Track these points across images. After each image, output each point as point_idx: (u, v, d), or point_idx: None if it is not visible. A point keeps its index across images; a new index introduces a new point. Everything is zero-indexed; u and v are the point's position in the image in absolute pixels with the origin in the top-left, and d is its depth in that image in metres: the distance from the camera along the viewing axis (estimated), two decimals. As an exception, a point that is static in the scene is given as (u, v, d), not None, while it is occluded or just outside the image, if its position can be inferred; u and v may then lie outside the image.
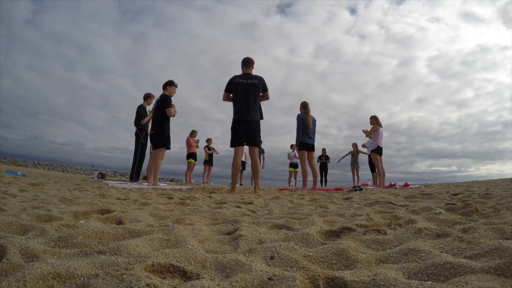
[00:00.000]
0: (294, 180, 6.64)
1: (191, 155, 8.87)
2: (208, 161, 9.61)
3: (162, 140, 4.77)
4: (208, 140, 9.76)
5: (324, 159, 10.69)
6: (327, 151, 10.88)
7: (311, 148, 5.57)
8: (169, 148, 4.89)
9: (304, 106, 5.53)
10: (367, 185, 7.67)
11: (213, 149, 9.76)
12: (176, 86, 5.03)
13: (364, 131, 6.84)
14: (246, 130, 4.06)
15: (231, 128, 4.15)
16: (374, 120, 6.54)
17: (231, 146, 4.16)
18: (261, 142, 4.30)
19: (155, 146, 4.89)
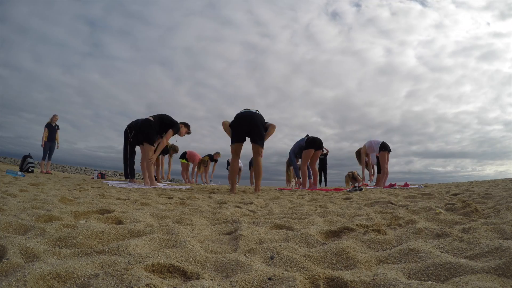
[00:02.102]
0: (294, 180, 6.59)
1: (183, 155, 8.79)
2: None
3: (147, 135, 4.56)
4: (216, 154, 9.63)
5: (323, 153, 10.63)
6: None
7: (319, 146, 5.30)
8: (153, 145, 4.68)
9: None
10: (367, 185, 7.68)
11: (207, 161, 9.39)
12: (188, 129, 5.21)
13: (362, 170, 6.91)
14: (248, 125, 3.81)
15: (232, 126, 3.94)
16: (358, 154, 6.69)
17: (231, 143, 3.95)
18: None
19: (138, 142, 4.76)
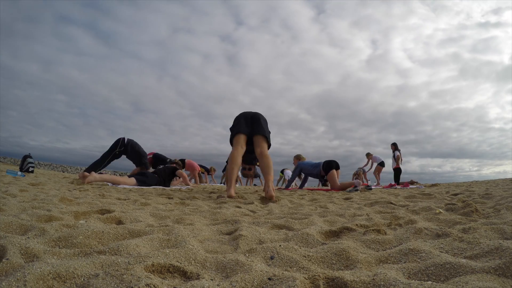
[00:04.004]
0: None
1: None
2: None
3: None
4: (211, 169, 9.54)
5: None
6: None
7: (337, 166, 5.53)
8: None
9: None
10: (366, 185, 7.77)
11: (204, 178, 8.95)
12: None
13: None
14: (250, 117, 3.25)
15: (232, 126, 3.32)
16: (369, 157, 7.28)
17: (231, 138, 3.22)
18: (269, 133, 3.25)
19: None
